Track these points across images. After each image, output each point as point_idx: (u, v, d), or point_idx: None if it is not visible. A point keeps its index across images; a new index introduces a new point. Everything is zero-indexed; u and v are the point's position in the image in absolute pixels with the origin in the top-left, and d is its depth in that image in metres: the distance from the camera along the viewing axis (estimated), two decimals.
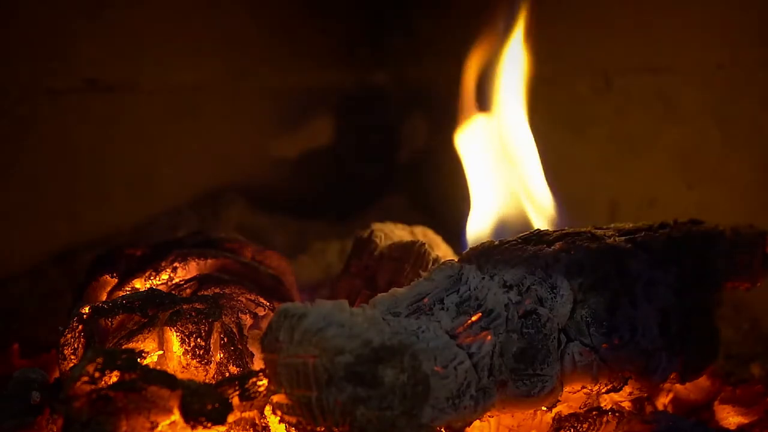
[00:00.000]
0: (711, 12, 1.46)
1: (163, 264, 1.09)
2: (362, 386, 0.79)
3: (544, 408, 0.97)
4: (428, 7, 1.87)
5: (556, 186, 1.23)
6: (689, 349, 0.96)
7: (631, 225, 1.03)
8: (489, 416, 0.93)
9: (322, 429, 0.82)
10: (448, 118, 1.87)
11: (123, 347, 0.97)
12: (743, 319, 1.40)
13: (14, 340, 1.22)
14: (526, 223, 1.21)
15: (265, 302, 1.08)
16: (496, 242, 0.99)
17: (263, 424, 0.94)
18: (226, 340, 1.02)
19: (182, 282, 1.09)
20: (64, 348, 1.00)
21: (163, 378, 0.85)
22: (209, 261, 1.11)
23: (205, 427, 0.84)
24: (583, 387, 0.96)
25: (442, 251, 1.24)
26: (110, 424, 0.83)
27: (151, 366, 0.92)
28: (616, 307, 0.94)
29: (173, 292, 1.07)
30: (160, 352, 0.98)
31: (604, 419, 0.95)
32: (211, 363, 0.99)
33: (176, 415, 0.85)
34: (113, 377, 0.85)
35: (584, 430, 0.95)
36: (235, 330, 1.04)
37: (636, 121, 1.60)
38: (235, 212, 1.80)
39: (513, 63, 1.29)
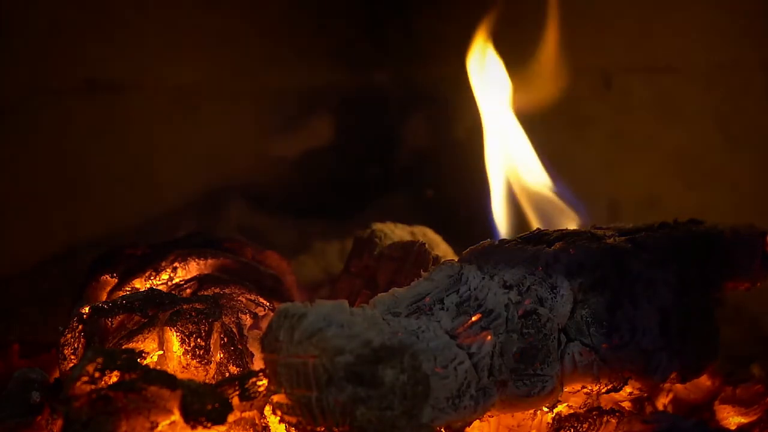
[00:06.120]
0: (711, 12, 1.46)
1: (163, 264, 1.09)
2: (362, 386, 0.79)
3: (544, 408, 0.97)
4: (428, 7, 1.87)
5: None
6: (689, 349, 0.96)
7: (631, 225, 1.03)
8: (489, 416, 0.93)
9: (322, 429, 0.82)
10: (448, 118, 1.87)
11: (123, 347, 0.97)
12: (743, 319, 1.40)
13: (14, 340, 1.22)
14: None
15: (265, 302, 1.08)
16: (496, 242, 0.99)
17: (263, 424, 0.94)
18: (226, 340, 1.02)
19: (182, 282, 1.09)
20: (64, 348, 1.00)
21: (163, 378, 0.85)
22: (209, 261, 1.11)
23: (205, 427, 0.84)
24: (584, 387, 0.96)
25: (442, 251, 1.24)
26: (110, 424, 0.83)
27: (151, 366, 0.92)
28: (617, 307, 0.94)
29: (173, 292, 1.07)
30: (160, 352, 0.98)
31: (604, 419, 0.95)
32: (211, 363, 0.99)
33: (176, 415, 0.85)
34: (113, 377, 0.85)
35: (584, 430, 0.95)
36: (235, 330, 1.04)
37: (636, 121, 1.60)
38: (235, 212, 1.80)
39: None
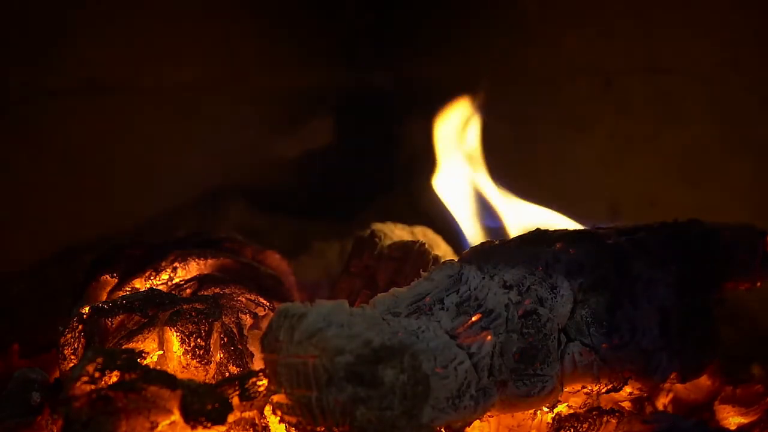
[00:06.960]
0: (711, 12, 1.46)
1: (163, 264, 1.09)
2: (362, 386, 0.79)
3: (544, 408, 0.97)
4: (428, 7, 1.87)
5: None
6: (689, 349, 0.96)
7: (631, 225, 1.03)
8: (489, 416, 0.93)
9: (322, 429, 0.82)
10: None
11: (123, 347, 0.97)
12: (743, 319, 1.40)
13: (14, 340, 1.22)
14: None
15: (265, 302, 1.08)
16: (496, 242, 0.99)
17: (263, 424, 0.94)
18: (226, 340, 1.02)
19: (182, 282, 1.09)
20: (64, 348, 1.00)
21: (163, 378, 0.85)
22: (209, 261, 1.11)
23: (205, 427, 0.84)
24: (584, 387, 0.96)
25: (442, 251, 1.24)
26: (110, 424, 0.83)
27: (151, 366, 0.92)
28: (617, 307, 0.94)
29: (173, 292, 1.07)
30: (160, 352, 0.98)
31: (604, 419, 0.95)
32: (211, 363, 0.99)
33: (176, 415, 0.85)
34: (113, 377, 0.85)
35: (584, 430, 0.95)
36: (235, 330, 1.04)
37: (636, 121, 1.60)
38: (235, 212, 1.80)
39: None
